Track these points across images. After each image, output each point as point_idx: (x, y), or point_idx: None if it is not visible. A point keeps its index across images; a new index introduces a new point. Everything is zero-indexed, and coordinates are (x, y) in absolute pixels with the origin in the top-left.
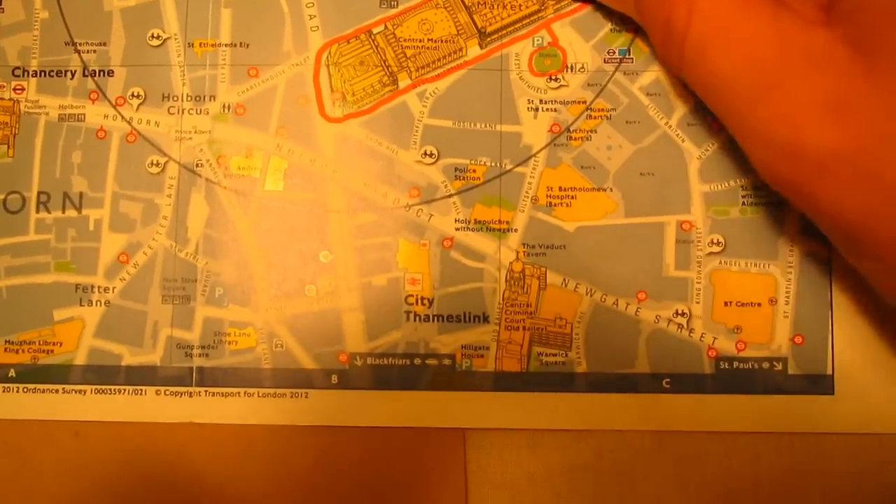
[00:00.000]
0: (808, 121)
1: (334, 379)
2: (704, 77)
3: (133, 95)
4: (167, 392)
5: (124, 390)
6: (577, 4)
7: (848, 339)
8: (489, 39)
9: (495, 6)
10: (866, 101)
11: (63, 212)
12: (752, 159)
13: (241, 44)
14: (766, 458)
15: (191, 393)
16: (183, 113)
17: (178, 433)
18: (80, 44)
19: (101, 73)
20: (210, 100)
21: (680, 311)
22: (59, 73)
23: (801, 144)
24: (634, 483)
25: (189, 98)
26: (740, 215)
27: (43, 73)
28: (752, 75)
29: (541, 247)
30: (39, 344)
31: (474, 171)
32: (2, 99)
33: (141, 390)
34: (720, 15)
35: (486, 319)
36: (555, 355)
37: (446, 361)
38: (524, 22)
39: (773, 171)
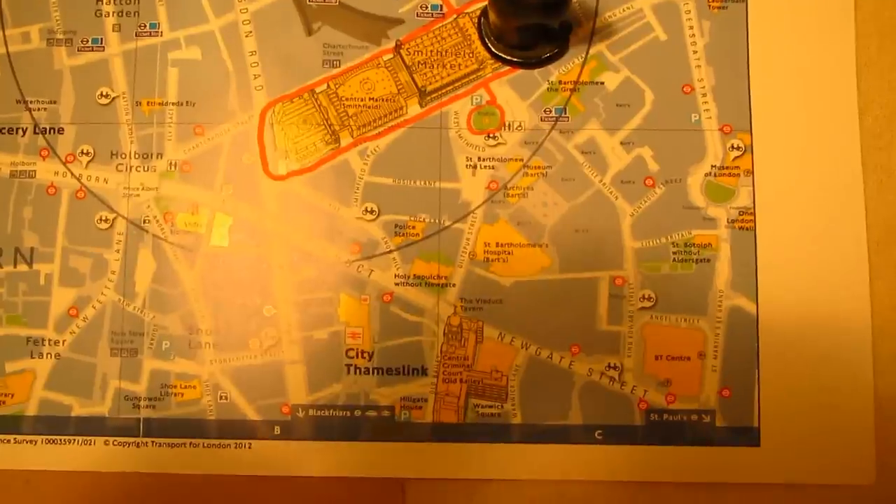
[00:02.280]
0: None
1: (277, 430)
2: None
3: (82, 153)
4: (116, 442)
5: (74, 440)
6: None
7: (774, 391)
8: (429, 98)
9: (435, 66)
10: None
11: (14, 266)
12: None
13: (187, 102)
14: None
15: (138, 443)
16: (131, 170)
17: (126, 483)
18: (30, 101)
19: (52, 131)
20: (157, 157)
21: (612, 365)
22: (10, 131)
23: None
24: None
25: (137, 155)
26: (671, 271)
27: None
28: None
29: (478, 301)
30: None
31: (414, 227)
32: None
33: (90, 440)
34: None
35: (424, 372)
36: (491, 407)
37: (385, 413)
38: (463, 81)
39: None
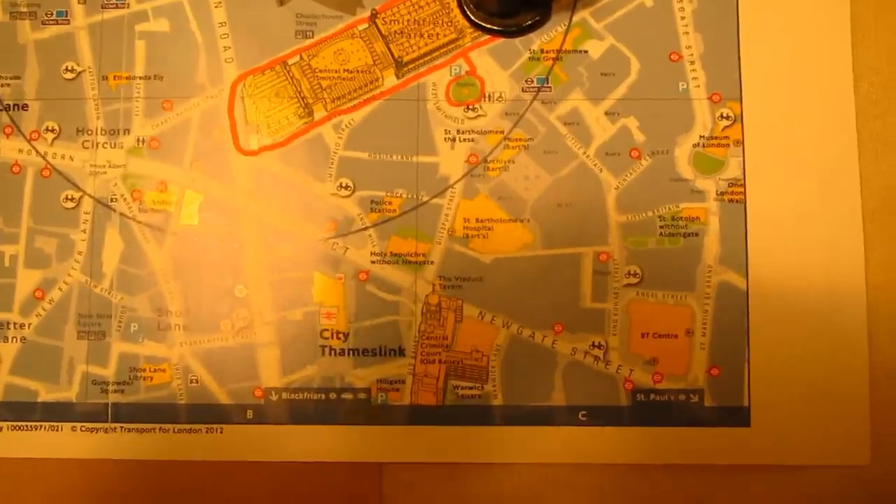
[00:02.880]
0: None
1: (250, 414)
2: None
3: (47, 129)
4: (83, 428)
5: (41, 427)
6: None
7: (764, 370)
8: (406, 69)
9: (412, 35)
10: None
11: None
12: None
13: (155, 76)
14: (682, 490)
15: (107, 429)
16: (97, 147)
17: (94, 469)
18: None
19: (16, 107)
20: (124, 133)
21: (596, 343)
22: None
23: None
24: None
25: (103, 132)
26: (657, 246)
27: None
28: None
29: (457, 279)
30: None
31: (390, 203)
32: None
33: (57, 427)
34: None
35: (401, 353)
36: (471, 388)
37: (362, 395)
38: (442, 51)
39: None
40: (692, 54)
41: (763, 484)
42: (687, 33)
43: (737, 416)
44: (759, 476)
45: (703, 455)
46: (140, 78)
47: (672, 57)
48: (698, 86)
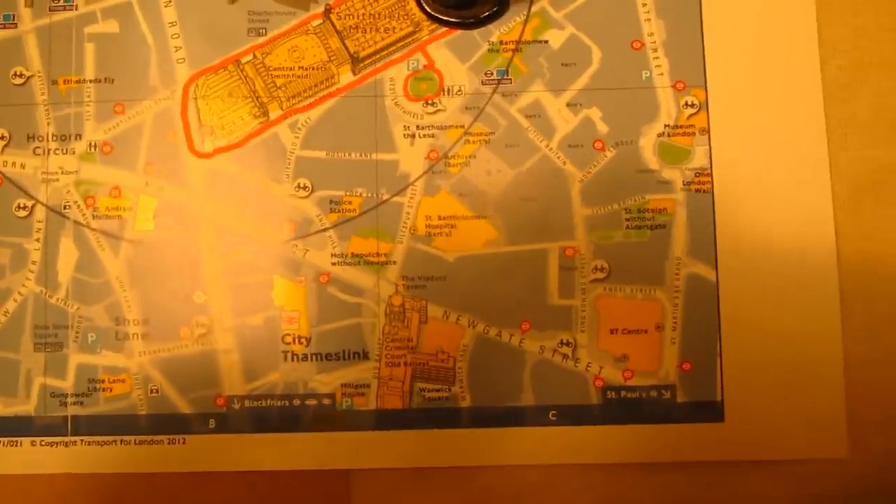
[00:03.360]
0: None
1: (212, 423)
2: None
3: None
4: (43, 443)
5: None
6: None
7: (737, 363)
8: (362, 65)
9: (368, 30)
10: None
11: None
12: None
13: (106, 79)
14: (656, 488)
15: (67, 443)
16: (49, 153)
17: (56, 485)
18: None
19: None
20: (76, 139)
21: (565, 341)
22: None
23: None
24: None
25: (55, 138)
26: (624, 239)
27: None
28: None
29: (421, 279)
30: None
31: (350, 202)
32: None
33: (16, 441)
34: None
35: (365, 356)
36: (438, 390)
37: (326, 401)
38: (398, 45)
39: None
40: (655, 41)
41: (739, 480)
42: (649, 20)
43: (710, 411)
44: (735, 472)
45: (677, 452)
46: (90, 81)
47: (634, 45)
48: (662, 73)
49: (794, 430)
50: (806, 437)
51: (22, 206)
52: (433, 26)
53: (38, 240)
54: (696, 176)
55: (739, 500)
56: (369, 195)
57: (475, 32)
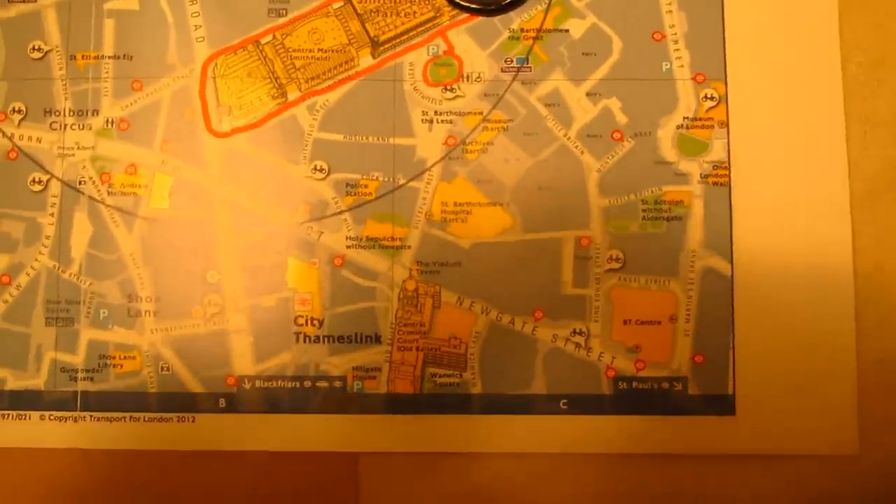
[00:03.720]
0: None
1: (222, 403)
2: None
3: (14, 110)
4: (52, 417)
5: (8, 415)
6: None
7: (750, 357)
8: (382, 49)
9: (389, 14)
10: None
11: None
12: None
13: (124, 56)
14: (665, 480)
15: (76, 418)
16: (65, 128)
17: (63, 459)
18: None
19: None
20: (93, 114)
21: (578, 330)
22: None
23: None
24: None
25: (71, 113)
26: (640, 230)
27: None
28: None
29: (435, 264)
30: None
31: (366, 186)
32: None
33: (25, 415)
34: None
35: (378, 340)
36: (449, 376)
37: (337, 384)
38: (419, 30)
39: None
40: (676, 33)
41: (749, 474)
42: (671, 12)
43: (721, 404)
44: (745, 466)
45: (687, 445)
46: (109, 57)
47: (655, 36)
48: (682, 66)
49: (805, 426)
50: (817, 433)
51: (37, 180)
52: (454, 12)
53: (52, 214)
54: (713, 169)
55: (749, 494)
56: (386, 179)
57: (496, 19)
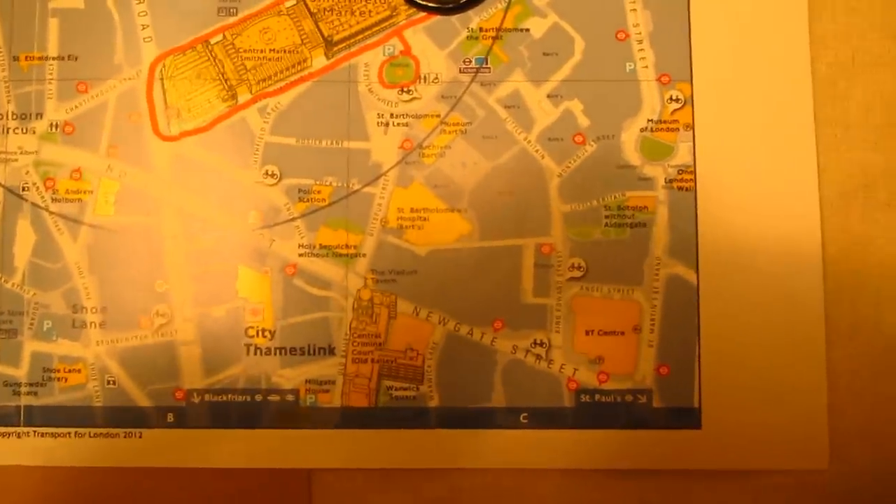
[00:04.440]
0: None
1: (170, 417)
2: None
3: None
4: None
5: None
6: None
7: (716, 369)
8: (336, 49)
9: (343, 12)
10: None
11: None
12: None
13: (69, 56)
14: (630, 496)
15: (19, 433)
16: (8, 132)
17: (7, 476)
18: None
19: None
20: (37, 118)
21: (538, 341)
22: None
23: None
24: None
25: (14, 116)
26: (603, 237)
27: None
28: None
29: (391, 273)
30: None
31: (319, 191)
32: None
33: None
34: None
35: (331, 352)
36: (406, 389)
37: (289, 397)
38: (374, 29)
39: None
40: (640, 33)
41: (716, 489)
42: (635, 10)
43: (687, 417)
44: (712, 481)
45: (652, 459)
46: (53, 58)
47: (619, 36)
48: (646, 66)
49: (773, 440)
50: (786, 446)
51: None
52: (411, 11)
53: None
54: (678, 173)
55: None
56: (340, 184)
57: (454, 18)
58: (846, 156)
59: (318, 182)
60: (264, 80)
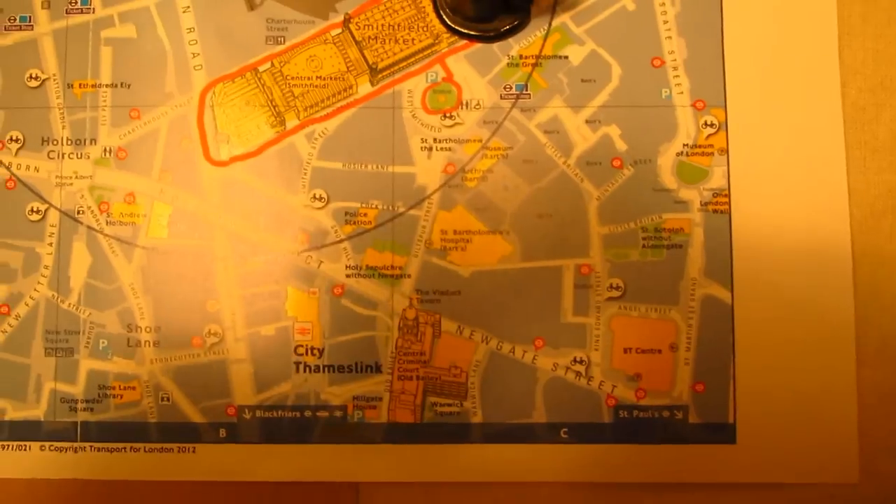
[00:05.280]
0: None
1: (222, 433)
2: None
3: (12, 139)
4: (52, 447)
5: (8, 446)
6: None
7: (750, 386)
8: (381, 76)
9: (387, 41)
10: None
11: None
12: None
13: (122, 84)
14: None
15: (76, 448)
16: (63, 157)
17: (63, 490)
18: None
19: None
20: (91, 143)
21: (578, 359)
22: None
23: None
24: None
25: (69, 142)
26: (640, 258)
27: None
28: None
29: (435, 293)
30: None
31: (365, 214)
32: None
33: (25, 446)
34: None
35: (378, 369)
36: (450, 405)
37: (338, 413)
38: (417, 57)
39: None
40: (675, 60)
41: (749, 502)
42: (670, 38)
43: (722, 432)
44: (746, 494)
45: (688, 473)
46: (106, 86)
47: (654, 62)
48: (681, 92)
49: (805, 454)
50: (817, 461)
51: (35, 209)
52: (453, 39)
53: (50, 244)
54: (713, 196)
55: None
56: (385, 208)
57: (495, 46)
58: (875, 178)
59: (364, 205)
60: (311, 106)
